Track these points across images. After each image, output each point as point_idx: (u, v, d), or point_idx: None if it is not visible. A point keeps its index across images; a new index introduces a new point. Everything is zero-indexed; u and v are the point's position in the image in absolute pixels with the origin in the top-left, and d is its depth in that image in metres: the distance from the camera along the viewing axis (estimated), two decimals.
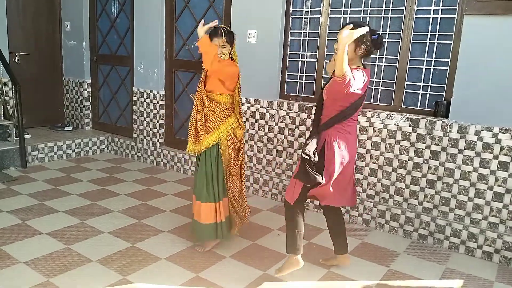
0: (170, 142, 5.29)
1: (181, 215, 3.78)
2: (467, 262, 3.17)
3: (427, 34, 3.42)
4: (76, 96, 6.12)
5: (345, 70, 2.31)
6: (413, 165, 3.45)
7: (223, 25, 3.06)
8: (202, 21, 2.91)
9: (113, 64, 5.84)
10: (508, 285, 2.88)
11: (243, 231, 3.36)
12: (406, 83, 3.55)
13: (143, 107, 5.34)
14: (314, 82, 4.02)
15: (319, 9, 3.90)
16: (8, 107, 5.26)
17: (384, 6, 3.59)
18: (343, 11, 3.79)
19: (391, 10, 3.56)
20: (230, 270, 2.90)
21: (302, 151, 2.54)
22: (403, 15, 3.50)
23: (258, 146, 4.32)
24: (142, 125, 5.39)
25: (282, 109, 4.11)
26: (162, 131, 5.27)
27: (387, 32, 3.59)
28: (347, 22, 3.67)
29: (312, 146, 2.53)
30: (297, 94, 4.15)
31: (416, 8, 3.44)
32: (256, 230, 3.51)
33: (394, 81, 3.60)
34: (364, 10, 3.69)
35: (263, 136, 4.28)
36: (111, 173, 4.93)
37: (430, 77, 3.46)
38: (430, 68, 3.45)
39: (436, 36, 3.39)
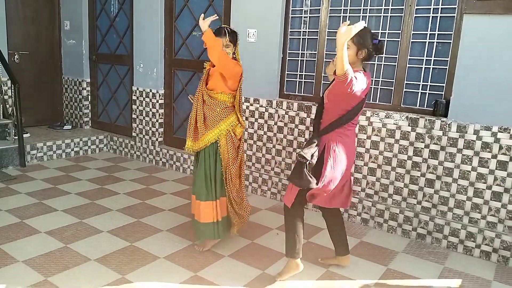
0: (169, 141, 5.29)
1: (180, 214, 3.78)
2: (465, 261, 3.17)
3: (427, 33, 3.42)
4: (75, 95, 6.12)
5: (346, 68, 2.27)
6: (412, 164, 3.45)
7: (226, 25, 3.05)
8: (202, 15, 2.86)
9: (113, 63, 5.84)
10: (506, 284, 2.88)
11: (242, 230, 3.35)
12: (405, 82, 3.55)
13: (142, 106, 5.34)
14: (314, 81, 4.02)
15: (319, 8, 3.90)
16: (7, 106, 5.26)
17: (383, 5, 3.59)
18: (342, 10, 3.79)
19: (391, 9, 3.56)
20: (229, 269, 2.90)
21: (298, 154, 2.50)
22: (403, 14, 3.50)
23: (257, 145, 4.32)
24: (141, 124, 5.39)
25: (281, 108, 4.10)
26: (161, 130, 5.26)
27: (387, 31, 3.59)
28: (347, 21, 3.71)
29: (310, 149, 2.48)
30: (297, 93, 4.15)
31: (416, 7, 3.44)
32: (255, 229, 3.51)
33: (394, 80, 3.60)
34: (363, 9, 3.68)
35: (262, 135, 4.27)
36: (110, 172, 4.93)
37: (430, 76, 3.46)
38: (430, 67, 3.45)
39: (436, 35, 3.39)
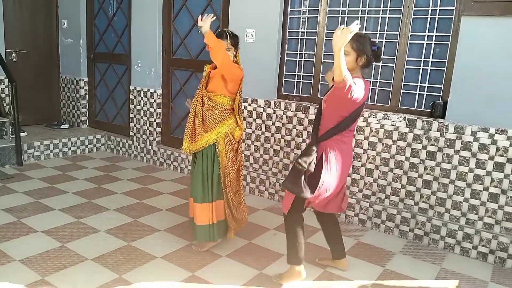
0: (166, 141, 5.28)
1: (177, 214, 3.78)
2: (462, 262, 3.18)
3: (425, 35, 3.43)
4: (73, 94, 6.10)
5: (345, 74, 2.23)
6: (409, 165, 3.46)
7: (227, 29, 3.04)
8: (200, 16, 2.83)
9: (110, 62, 5.82)
10: (503, 285, 2.89)
11: (240, 230, 3.35)
12: (403, 83, 3.56)
13: (140, 105, 5.33)
14: (312, 82, 4.03)
15: (317, 8, 3.91)
16: (4, 104, 5.24)
17: (382, 6, 3.59)
18: (341, 11, 3.79)
19: (389, 10, 3.57)
20: (226, 269, 2.90)
21: (296, 160, 2.47)
22: (401, 16, 3.51)
23: (255, 146, 4.32)
24: (139, 124, 5.38)
25: (279, 108, 4.10)
26: (159, 129, 5.26)
27: (385, 32, 3.60)
28: (345, 22, 3.71)
29: (310, 157, 2.46)
30: (295, 94, 4.15)
31: (414, 9, 3.44)
32: (252, 229, 3.51)
33: (391, 82, 3.61)
34: (362, 10, 3.69)
35: (260, 135, 4.27)
36: (108, 171, 4.91)
37: (427, 77, 3.47)
38: (427, 69, 3.46)
39: (434, 36, 3.40)
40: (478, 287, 2.86)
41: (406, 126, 3.43)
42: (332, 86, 2.48)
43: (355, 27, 2.18)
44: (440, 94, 3.41)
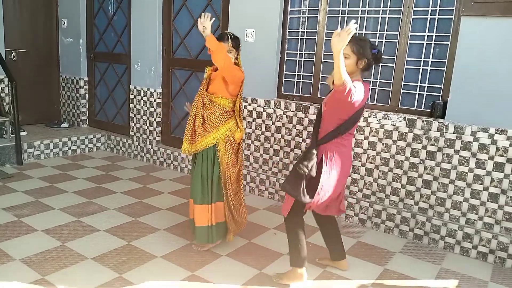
0: (166, 140, 5.28)
1: (177, 213, 3.78)
2: (462, 262, 3.19)
3: (425, 35, 3.43)
4: (73, 93, 6.10)
5: (344, 78, 2.21)
6: (409, 165, 3.46)
7: (228, 31, 3.04)
8: (199, 18, 2.85)
9: (110, 62, 5.82)
10: (503, 285, 2.90)
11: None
12: (403, 83, 3.56)
13: (140, 105, 5.33)
14: (312, 81, 4.03)
15: (317, 8, 3.91)
16: (4, 104, 5.24)
17: (381, 6, 3.60)
18: (340, 11, 3.79)
19: (389, 10, 3.57)
20: (226, 268, 2.90)
21: (297, 164, 2.46)
22: (401, 16, 3.51)
23: (255, 145, 4.32)
24: (139, 123, 5.38)
25: (279, 108, 4.11)
26: (158, 129, 5.26)
27: (385, 32, 3.60)
28: (345, 22, 3.71)
29: (311, 161, 2.45)
30: (295, 94, 4.15)
31: (414, 9, 3.45)
32: (252, 229, 3.51)
33: (391, 81, 3.61)
34: (361, 10, 3.69)
35: (260, 135, 4.28)
36: (107, 171, 4.92)
37: (427, 77, 3.47)
38: (427, 69, 3.46)
39: (433, 36, 3.40)
40: (478, 287, 2.86)
41: (406, 126, 3.44)
42: (332, 89, 2.47)
43: (353, 28, 2.14)
44: (440, 94, 3.42)
